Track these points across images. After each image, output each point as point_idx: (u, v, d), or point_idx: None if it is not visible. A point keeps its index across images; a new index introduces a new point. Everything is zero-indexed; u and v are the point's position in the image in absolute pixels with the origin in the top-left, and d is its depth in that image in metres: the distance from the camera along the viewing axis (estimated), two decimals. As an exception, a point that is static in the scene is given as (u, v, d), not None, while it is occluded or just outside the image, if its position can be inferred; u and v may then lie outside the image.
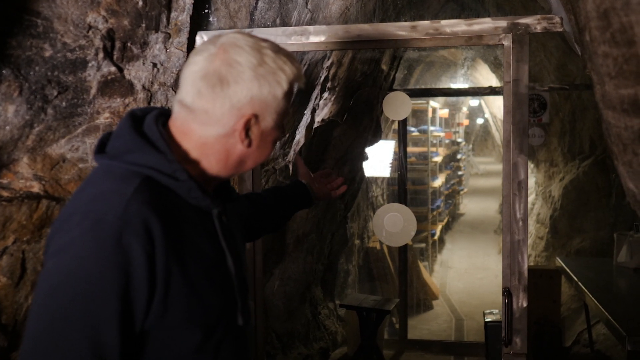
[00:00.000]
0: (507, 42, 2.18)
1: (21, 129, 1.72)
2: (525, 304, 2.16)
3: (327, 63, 4.07)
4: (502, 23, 2.17)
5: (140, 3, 1.96)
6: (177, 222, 1.15)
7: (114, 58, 1.95)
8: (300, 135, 4.24)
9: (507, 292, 2.17)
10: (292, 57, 1.24)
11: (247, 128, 1.20)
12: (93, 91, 1.92)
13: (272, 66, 1.19)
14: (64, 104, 1.83)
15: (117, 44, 1.95)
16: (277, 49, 1.22)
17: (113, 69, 1.96)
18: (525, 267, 2.17)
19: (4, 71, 1.58)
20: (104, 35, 1.87)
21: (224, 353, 1.25)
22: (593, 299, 3.89)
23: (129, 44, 2.00)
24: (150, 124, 1.22)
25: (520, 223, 2.17)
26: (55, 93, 1.78)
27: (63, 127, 1.89)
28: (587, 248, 6.05)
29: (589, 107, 5.84)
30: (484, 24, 2.19)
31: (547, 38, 5.27)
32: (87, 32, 1.80)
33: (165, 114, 1.28)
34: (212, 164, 1.24)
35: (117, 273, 1.06)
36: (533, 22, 2.15)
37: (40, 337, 1.05)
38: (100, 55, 1.88)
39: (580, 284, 4.26)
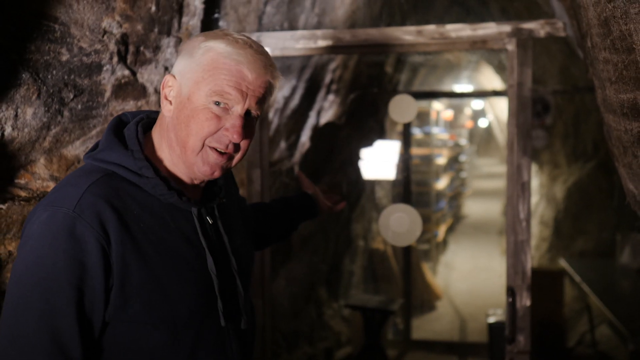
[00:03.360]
0: (511, 46, 2.23)
1: (39, 130, 1.77)
2: (528, 303, 2.21)
3: (333, 66, 4.12)
4: (507, 28, 2.22)
5: (153, 8, 2.01)
6: (139, 217, 1.19)
7: (127, 62, 2.01)
8: (305, 137, 4.29)
9: (511, 291, 2.21)
10: (241, 41, 1.24)
11: (168, 88, 1.27)
12: (107, 94, 1.98)
13: (211, 45, 1.24)
14: (79, 106, 1.88)
15: (131, 48, 2.00)
16: (237, 37, 1.25)
17: (127, 72, 2.01)
18: (529, 266, 2.21)
19: (23, 75, 1.63)
20: (118, 40, 1.92)
21: (203, 354, 1.24)
22: (596, 299, 3.93)
23: (142, 48, 2.05)
24: (130, 125, 1.29)
25: (524, 223, 2.22)
26: (72, 96, 1.83)
27: (78, 129, 1.94)
28: (590, 249, 6.09)
29: (592, 110, 5.88)
30: (489, 29, 2.24)
31: (551, 41, 5.32)
32: (102, 36, 1.85)
33: (151, 117, 1.35)
34: (170, 154, 1.28)
35: (70, 263, 1.11)
36: (537, 27, 2.20)
37: (4, 325, 1.12)
38: (115, 59, 1.93)
39: (583, 285, 4.30)
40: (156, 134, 1.31)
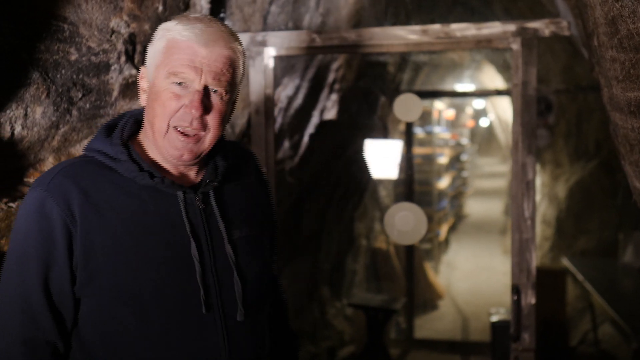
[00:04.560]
0: (516, 45, 2.24)
1: (48, 129, 1.79)
2: (533, 301, 2.22)
3: (335, 65, 4.13)
4: (511, 27, 2.23)
5: (160, 8, 2.02)
6: (111, 198, 1.24)
7: (135, 61, 2.02)
8: (308, 136, 4.30)
9: (516, 289, 2.22)
10: (192, 19, 1.27)
11: (142, 79, 1.33)
12: (115, 93, 1.99)
13: (165, 27, 1.28)
14: (87, 105, 1.90)
15: (138, 48, 2.01)
16: (190, 17, 1.29)
17: (134, 72, 2.02)
18: (534, 264, 2.22)
19: (33, 74, 1.64)
20: (126, 40, 1.93)
21: (176, 339, 1.24)
22: (599, 298, 3.94)
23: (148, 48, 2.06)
24: (124, 119, 1.37)
25: (529, 222, 2.23)
26: (80, 95, 1.84)
27: (86, 128, 1.95)
28: (592, 248, 6.09)
29: (594, 109, 5.88)
30: (494, 28, 2.25)
31: (554, 40, 5.32)
32: (111, 36, 1.87)
33: None
34: (150, 141, 1.32)
35: (40, 238, 1.20)
36: (541, 26, 2.21)
37: (6, 277, 1.24)
38: (122, 58, 1.94)
39: (586, 283, 4.31)
40: (144, 124, 1.35)
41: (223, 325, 1.28)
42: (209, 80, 1.25)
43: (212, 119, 1.27)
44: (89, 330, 1.25)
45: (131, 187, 1.26)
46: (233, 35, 1.30)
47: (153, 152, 1.32)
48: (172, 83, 1.24)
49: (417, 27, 2.32)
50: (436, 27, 2.31)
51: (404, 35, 2.32)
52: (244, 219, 1.39)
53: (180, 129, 1.26)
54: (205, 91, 1.25)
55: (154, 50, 1.29)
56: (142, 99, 1.32)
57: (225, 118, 1.31)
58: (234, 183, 1.41)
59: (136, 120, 1.37)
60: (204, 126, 1.27)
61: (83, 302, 1.24)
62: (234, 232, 1.35)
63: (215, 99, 1.27)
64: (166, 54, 1.25)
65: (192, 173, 1.35)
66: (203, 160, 1.35)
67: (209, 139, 1.29)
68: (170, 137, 1.26)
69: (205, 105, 1.25)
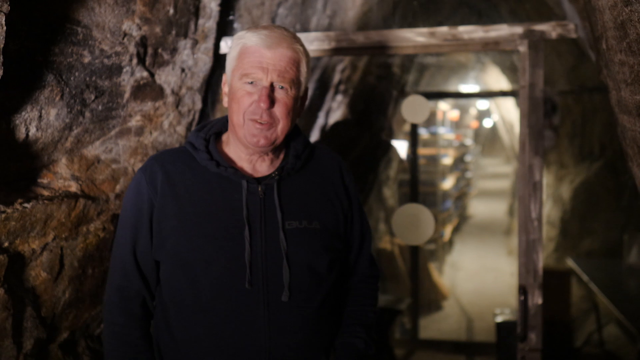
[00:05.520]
0: (523, 47, 2.25)
1: (61, 131, 1.81)
2: (540, 301, 2.23)
3: (341, 66, 4.15)
4: (519, 29, 2.24)
5: (172, 11, 2.04)
6: (188, 180, 1.50)
7: (146, 64, 2.04)
8: (314, 137, 4.32)
9: (522, 290, 2.24)
10: (260, 27, 1.48)
11: (223, 84, 1.56)
12: (127, 95, 2.01)
13: (237, 36, 1.50)
14: (100, 107, 1.92)
15: (149, 50, 2.03)
16: (259, 26, 1.51)
17: (145, 74, 2.05)
18: (540, 265, 2.24)
19: (47, 77, 1.67)
20: (137, 42, 1.95)
21: (222, 307, 1.43)
22: (604, 299, 3.94)
23: (160, 50, 2.08)
24: (219, 118, 1.62)
25: (536, 223, 2.25)
26: (93, 97, 1.86)
27: (98, 129, 1.97)
28: (597, 249, 6.09)
29: (599, 110, 5.89)
30: (501, 31, 2.27)
31: (560, 42, 5.33)
32: (123, 39, 1.89)
33: None
34: (231, 137, 1.54)
35: (134, 208, 1.51)
36: (548, 28, 2.22)
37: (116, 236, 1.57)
38: (134, 61, 1.97)
39: (591, 284, 4.32)
40: (229, 123, 1.56)
41: (265, 302, 1.44)
42: (274, 77, 1.45)
43: (279, 111, 1.46)
44: (163, 289, 1.50)
45: (205, 174, 1.50)
46: (295, 38, 1.50)
47: (232, 147, 1.54)
48: (245, 83, 1.46)
49: (425, 30, 2.33)
50: (444, 29, 2.32)
51: (411, 38, 2.33)
52: (307, 212, 1.54)
53: (253, 119, 1.46)
54: (272, 87, 1.45)
55: (230, 57, 1.51)
56: (224, 101, 1.55)
57: (292, 111, 1.50)
58: (305, 179, 1.57)
59: (226, 121, 1.58)
60: (273, 118, 1.46)
61: (160, 265, 1.51)
62: (292, 223, 1.50)
63: (281, 93, 1.46)
64: (239, 59, 1.48)
65: (264, 167, 1.54)
66: (276, 156, 1.55)
67: (280, 128, 1.48)
68: (247, 127, 1.46)
69: (272, 99, 1.45)
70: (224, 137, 1.59)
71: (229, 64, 1.51)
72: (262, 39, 1.45)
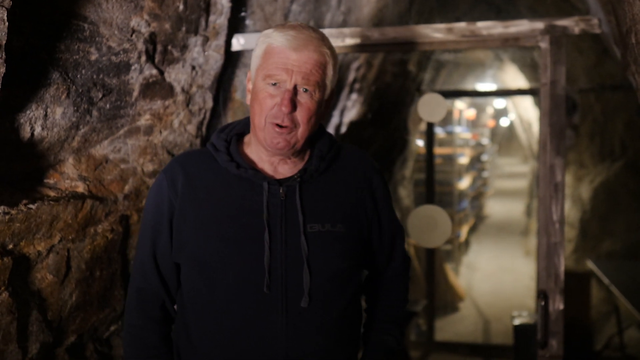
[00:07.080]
0: (544, 44, 2.17)
1: (68, 130, 1.77)
2: (561, 307, 2.16)
3: (356, 64, 4.08)
4: (540, 25, 2.17)
5: (181, 7, 1.99)
6: (208, 181, 1.46)
7: (155, 61, 1.99)
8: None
9: (543, 295, 2.16)
10: (287, 27, 1.42)
11: (248, 82, 1.52)
12: (135, 93, 1.96)
13: (264, 34, 1.45)
14: (107, 106, 1.87)
15: (159, 47, 1.98)
16: (286, 25, 1.45)
17: (154, 71, 2.00)
18: (562, 269, 2.16)
19: (53, 74, 1.62)
20: (146, 39, 1.90)
21: (238, 311, 1.39)
22: (625, 302, 3.84)
23: (169, 47, 2.03)
24: (242, 120, 1.59)
25: (557, 225, 2.17)
26: (100, 95, 1.82)
27: (106, 128, 1.93)
28: (617, 251, 5.97)
29: (620, 109, 5.76)
30: (521, 26, 2.19)
31: (581, 38, 5.22)
32: (131, 35, 1.84)
33: None
34: (252, 139, 1.49)
35: (155, 209, 1.49)
36: (571, 24, 2.14)
37: (139, 238, 1.55)
38: (143, 58, 1.92)
39: (612, 287, 4.21)
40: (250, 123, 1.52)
41: (284, 308, 1.40)
42: (298, 80, 1.39)
43: (300, 115, 1.41)
44: (183, 292, 1.48)
45: (225, 175, 1.47)
46: (323, 40, 1.43)
47: (254, 149, 1.50)
48: (268, 84, 1.41)
49: (442, 26, 2.26)
50: (462, 25, 2.25)
51: (428, 34, 2.26)
52: (330, 214, 1.48)
53: (274, 123, 1.41)
54: (295, 90, 1.40)
55: (255, 55, 1.47)
56: (248, 99, 1.50)
57: (315, 115, 1.44)
58: (329, 180, 1.51)
59: (248, 122, 1.53)
60: (294, 123, 1.41)
61: (181, 265, 1.48)
62: (314, 226, 1.45)
63: (305, 97, 1.41)
64: (264, 59, 1.43)
65: (286, 169, 1.49)
66: (300, 157, 1.50)
67: (300, 133, 1.42)
68: (267, 130, 1.42)
69: (294, 103, 1.40)
70: (246, 138, 1.55)
71: (254, 61, 1.47)
72: (289, 39, 1.39)
